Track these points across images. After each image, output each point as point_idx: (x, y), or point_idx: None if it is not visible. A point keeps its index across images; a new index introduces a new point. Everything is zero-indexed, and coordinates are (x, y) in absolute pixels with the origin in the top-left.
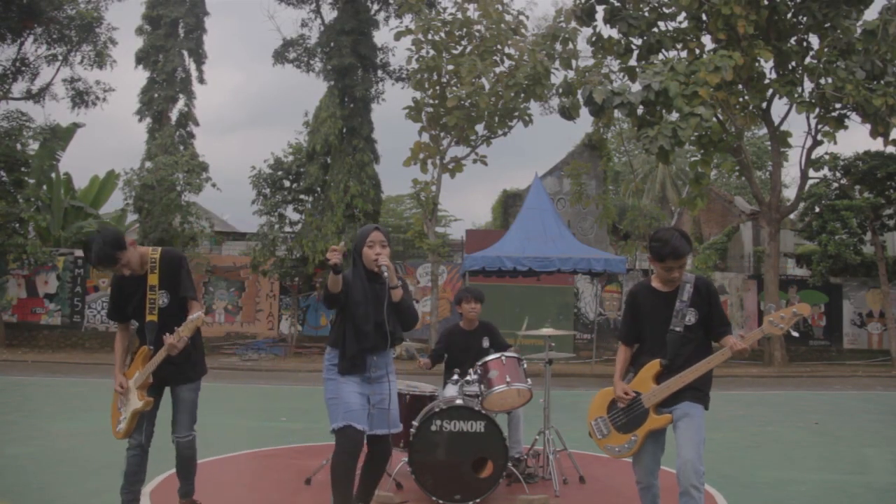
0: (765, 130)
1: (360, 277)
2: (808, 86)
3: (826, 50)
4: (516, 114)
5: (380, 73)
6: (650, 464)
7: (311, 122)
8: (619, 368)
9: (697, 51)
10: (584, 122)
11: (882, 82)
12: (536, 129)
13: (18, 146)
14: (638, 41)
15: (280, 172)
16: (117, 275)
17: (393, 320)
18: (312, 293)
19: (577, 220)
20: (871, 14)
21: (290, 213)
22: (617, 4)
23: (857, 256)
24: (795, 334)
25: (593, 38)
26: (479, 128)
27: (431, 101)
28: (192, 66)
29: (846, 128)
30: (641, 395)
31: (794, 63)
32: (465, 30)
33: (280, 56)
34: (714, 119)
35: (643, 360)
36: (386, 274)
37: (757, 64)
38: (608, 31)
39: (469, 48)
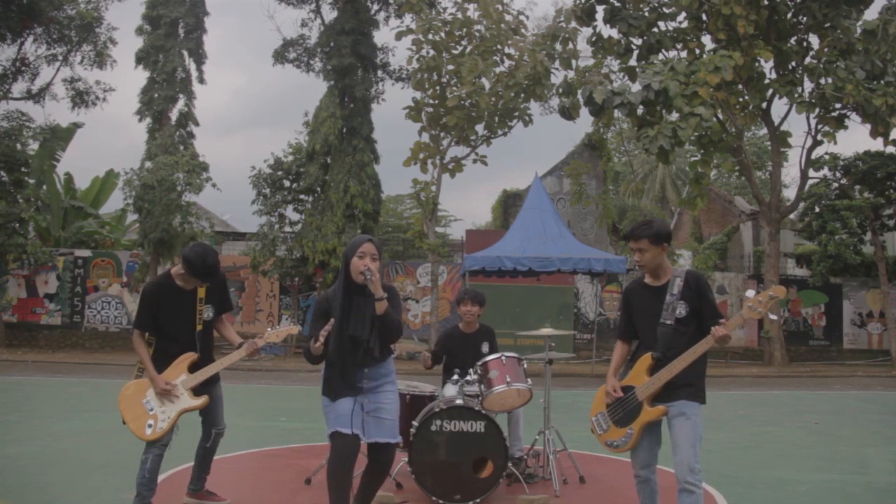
0: (765, 130)
1: (345, 290)
2: (808, 86)
3: (826, 50)
4: (516, 114)
5: (380, 73)
6: (647, 457)
7: (311, 122)
8: (615, 364)
9: (697, 51)
10: (584, 122)
11: (882, 82)
12: (536, 129)
13: (18, 146)
14: (638, 41)
15: (280, 172)
16: (162, 286)
17: (375, 335)
18: (312, 293)
19: (577, 220)
20: (871, 14)
21: (290, 213)
22: (617, 4)
23: (857, 256)
24: (773, 317)
25: (593, 38)
26: (479, 128)
27: (431, 101)
28: (192, 66)
29: (846, 128)
30: (635, 388)
31: (794, 63)
32: (465, 30)
33: (280, 56)
34: (714, 119)
35: (638, 354)
36: (371, 278)
37: (757, 64)
38: (608, 31)
39: (469, 48)
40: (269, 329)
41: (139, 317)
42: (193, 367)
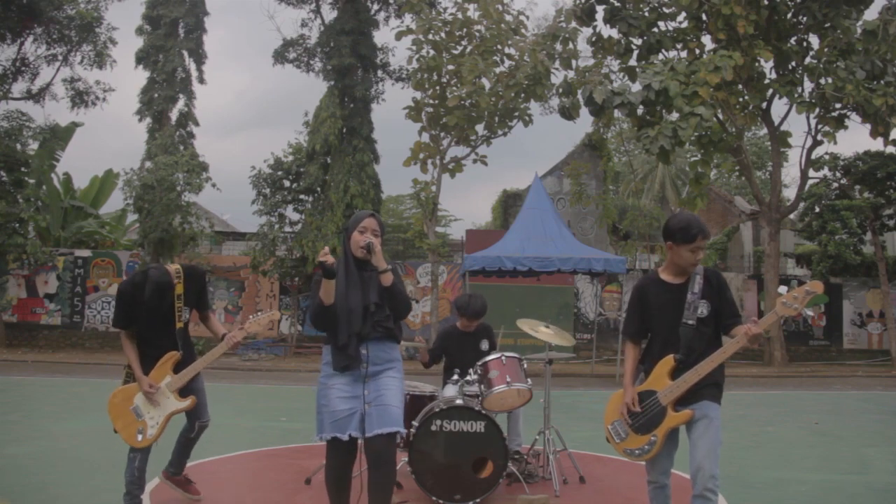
0: (765, 130)
1: (348, 263)
2: (808, 86)
3: (826, 50)
4: (516, 114)
5: (380, 73)
6: (667, 464)
7: (311, 122)
8: (630, 370)
9: (697, 51)
10: (584, 122)
11: (882, 82)
12: (536, 129)
13: (18, 146)
14: (638, 41)
15: (280, 172)
16: (137, 285)
17: (384, 309)
18: None
19: (577, 220)
20: (871, 14)
21: (290, 213)
22: (617, 4)
23: (857, 256)
24: (810, 313)
25: (593, 38)
26: (480, 128)
27: (431, 101)
28: (192, 66)
29: (846, 128)
30: (657, 392)
31: (794, 63)
32: (465, 30)
33: (280, 56)
34: (714, 119)
35: (654, 356)
36: (374, 250)
37: (757, 64)
38: (608, 31)
39: (469, 48)
40: (250, 317)
41: (116, 316)
42: (178, 366)
